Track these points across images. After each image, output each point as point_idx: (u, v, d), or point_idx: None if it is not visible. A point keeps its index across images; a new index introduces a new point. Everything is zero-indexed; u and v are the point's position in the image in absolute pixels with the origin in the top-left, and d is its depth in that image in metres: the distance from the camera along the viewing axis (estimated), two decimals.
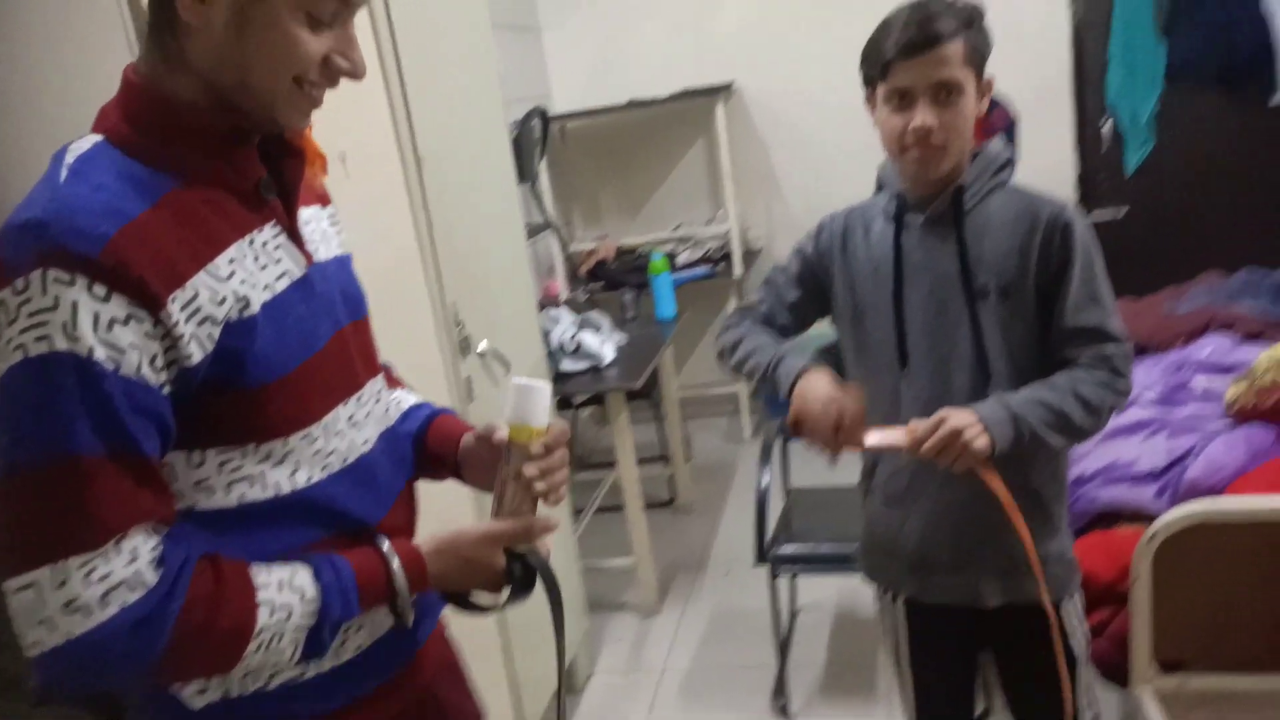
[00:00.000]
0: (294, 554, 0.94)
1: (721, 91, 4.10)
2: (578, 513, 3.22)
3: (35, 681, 0.83)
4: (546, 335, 2.97)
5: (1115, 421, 2.34)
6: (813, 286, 1.57)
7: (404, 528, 1.11)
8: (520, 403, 1.04)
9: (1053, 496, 1.47)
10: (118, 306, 0.80)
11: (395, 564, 0.98)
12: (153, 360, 0.83)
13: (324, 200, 1.12)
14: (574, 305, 3.55)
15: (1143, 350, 2.70)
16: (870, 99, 1.42)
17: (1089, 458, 2.27)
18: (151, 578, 0.82)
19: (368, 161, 1.96)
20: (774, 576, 2.46)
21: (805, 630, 2.82)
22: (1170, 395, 2.39)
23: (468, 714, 1.23)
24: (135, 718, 0.99)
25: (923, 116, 1.33)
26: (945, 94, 1.33)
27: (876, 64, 1.37)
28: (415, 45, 2.05)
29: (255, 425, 0.91)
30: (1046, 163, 4.17)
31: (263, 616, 0.88)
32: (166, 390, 0.85)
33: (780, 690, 2.52)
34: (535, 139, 3.30)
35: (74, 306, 0.79)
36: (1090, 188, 4.21)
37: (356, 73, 0.94)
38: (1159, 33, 4.03)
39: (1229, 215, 4.12)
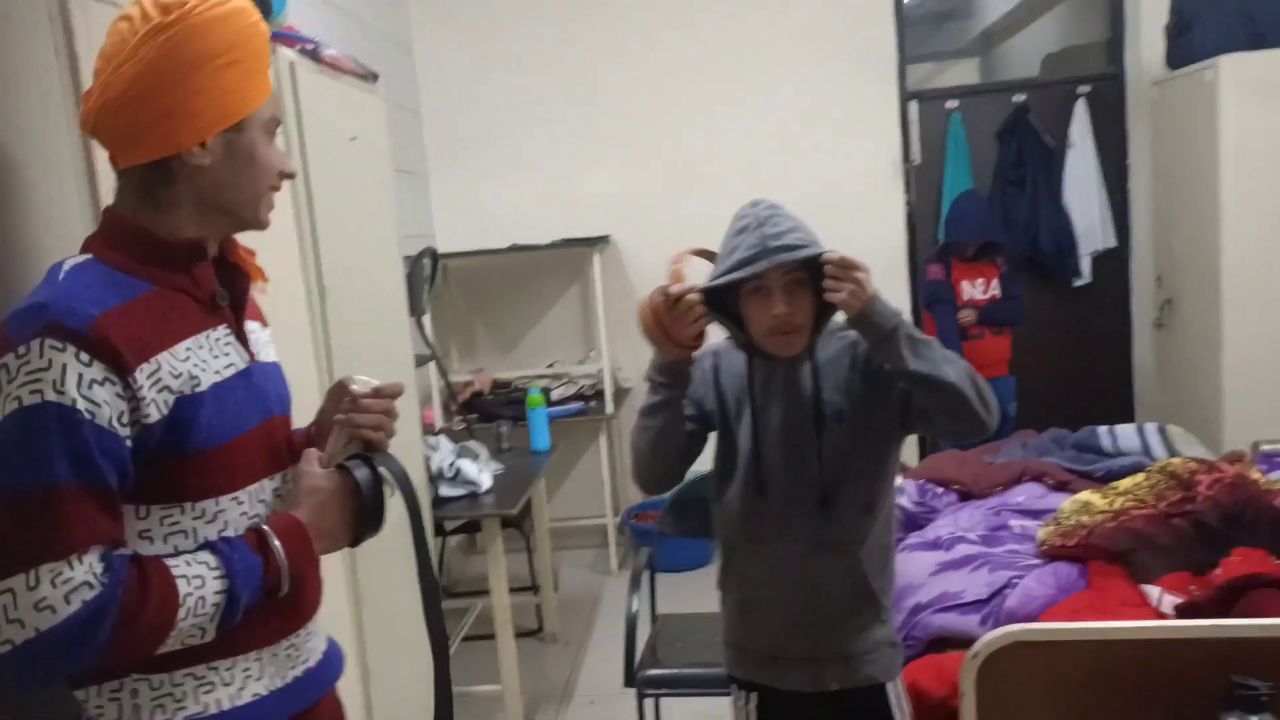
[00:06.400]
0: None
1: (598, 242, 4.42)
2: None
3: (7, 678, 1.00)
4: (426, 461, 3.07)
5: (945, 556, 2.62)
6: (699, 413, 1.76)
7: (317, 589, 1.31)
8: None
9: (881, 589, 1.69)
10: (97, 371, 1.02)
11: (267, 527, 1.16)
12: (120, 416, 1.04)
13: (263, 321, 1.36)
14: (451, 434, 3.67)
15: (967, 495, 3.02)
16: None
17: (924, 589, 2.52)
18: (104, 579, 1.00)
19: (277, 291, 2.08)
20: (641, 699, 2.57)
21: None
22: (991, 534, 2.70)
23: None
24: None
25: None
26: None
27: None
28: (327, 191, 2.23)
29: (192, 486, 1.12)
30: None
31: (183, 586, 1.06)
32: (129, 443, 1.05)
33: None
34: (425, 276, 3.48)
35: (63, 368, 1.01)
36: None
37: (294, 172, 1.26)
38: None
39: (1040, 382, 4.65)
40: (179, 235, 1.15)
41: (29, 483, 0.99)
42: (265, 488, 1.21)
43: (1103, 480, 2.85)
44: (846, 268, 1.52)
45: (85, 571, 0.99)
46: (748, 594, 1.72)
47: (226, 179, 1.17)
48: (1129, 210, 4.71)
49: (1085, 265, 4.68)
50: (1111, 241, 4.68)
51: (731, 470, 1.72)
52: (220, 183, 1.17)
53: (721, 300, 1.64)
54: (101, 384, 1.02)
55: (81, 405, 1.00)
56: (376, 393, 1.28)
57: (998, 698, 1.91)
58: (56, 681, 1.07)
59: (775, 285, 1.58)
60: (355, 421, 1.26)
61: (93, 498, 1.01)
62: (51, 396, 0.99)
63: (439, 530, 3.86)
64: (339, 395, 1.30)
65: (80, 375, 1.01)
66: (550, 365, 4.71)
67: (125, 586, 1.01)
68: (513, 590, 3.95)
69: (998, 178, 4.75)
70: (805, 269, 1.58)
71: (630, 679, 2.55)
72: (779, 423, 1.67)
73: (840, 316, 1.69)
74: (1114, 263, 4.74)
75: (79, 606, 0.98)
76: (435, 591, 1.31)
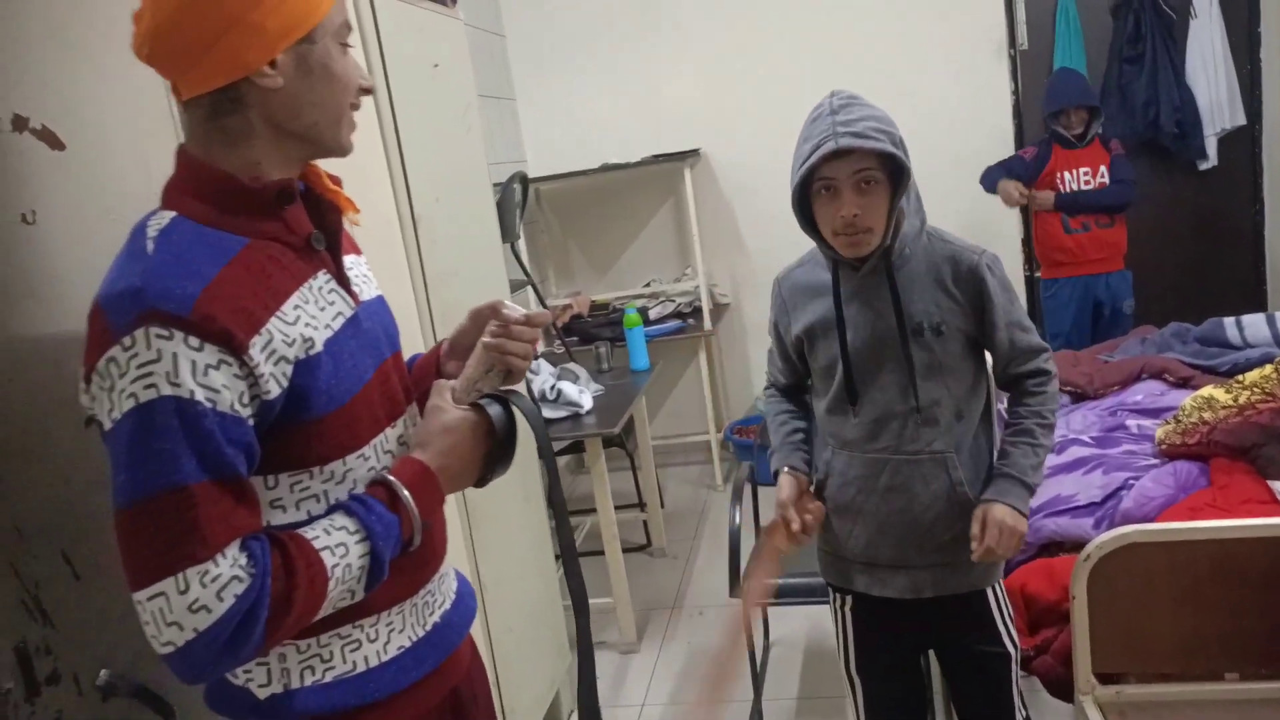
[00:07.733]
0: None
1: (689, 156, 4.35)
2: (557, 557, 3.35)
3: (176, 675, 0.98)
4: (528, 385, 3.13)
5: (1056, 460, 2.55)
6: (794, 349, 1.76)
7: (443, 529, 1.28)
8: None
9: (978, 496, 1.65)
10: (210, 354, 0.96)
11: (394, 479, 1.12)
12: (240, 397, 0.99)
13: (358, 250, 1.29)
14: (551, 357, 3.72)
15: (1082, 396, 2.91)
16: None
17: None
18: (250, 569, 0.97)
19: (370, 223, 2.12)
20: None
21: (777, 664, 2.96)
22: (1107, 436, 2.60)
23: (492, 711, 1.41)
24: (214, 705, 1.14)
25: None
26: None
27: None
28: (412, 120, 2.24)
29: (318, 451, 1.08)
30: (998, 228, 4.45)
31: (328, 558, 1.03)
32: (252, 422, 1.01)
33: None
34: (516, 201, 3.49)
35: (174, 357, 0.94)
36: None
37: (373, 87, 1.16)
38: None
39: (1161, 275, 4.40)
40: (262, 175, 1.07)
41: (159, 486, 0.94)
42: (389, 437, 1.17)
43: (1228, 375, 2.71)
44: (1009, 543, 1.58)
45: (230, 566, 0.96)
46: (842, 503, 1.71)
47: (303, 100, 1.06)
48: (1260, 84, 4.35)
49: (1211, 146, 4.37)
50: (1240, 119, 4.34)
51: (823, 382, 1.70)
52: (297, 105, 1.06)
53: (804, 203, 1.59)
54: (217, 367, 0.96)
55: (201, 395, 0.95)
56: (528, 320, 1.22)
57: (1111, 600, 1.86)
58: (223, 673, 1.06)
59: (844, 183, 1.52)
60: (505, 348, 1.20)
61: (226, 492, 0.98)
62: (168, 390, 0.94)
63: None
64: (485, 318, 1.24)
65: (194, 362, 0.95)
66: (647, 284, 4.71)
67: (272, 574, 0.98)
68: (620, 507, 4.05)
69: (1112, 57, 4.44)
70: (879, 166, 1.51)
71: (735, 590, 2.58)
72: (866, 333, 1.63)
73: (913, 220, 1.63)
74: (1243, 142, 4.40)
75: (233, 602, 0.95)
76: (573, 550, 1.29)
